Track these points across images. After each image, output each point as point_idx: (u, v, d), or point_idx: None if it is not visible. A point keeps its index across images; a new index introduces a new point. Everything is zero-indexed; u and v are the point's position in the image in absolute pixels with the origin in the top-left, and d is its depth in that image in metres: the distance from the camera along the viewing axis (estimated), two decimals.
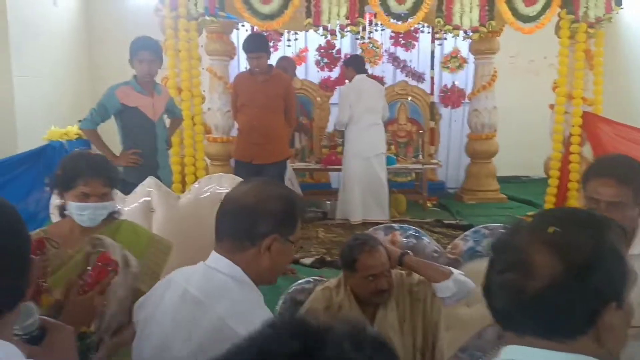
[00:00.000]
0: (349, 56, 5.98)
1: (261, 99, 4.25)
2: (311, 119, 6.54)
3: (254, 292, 1.35)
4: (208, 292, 1.29)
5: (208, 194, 2.67)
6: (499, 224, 2.90)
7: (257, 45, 4.18)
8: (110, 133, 3.62)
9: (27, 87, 5.20)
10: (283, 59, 5.75)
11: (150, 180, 2.69)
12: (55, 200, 2.03)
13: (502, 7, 4.53)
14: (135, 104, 3.35)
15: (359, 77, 5.15)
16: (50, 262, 1.72)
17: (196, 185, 2.78)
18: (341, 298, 2.10)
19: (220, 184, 2.73)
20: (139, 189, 2.65)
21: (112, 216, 1.94)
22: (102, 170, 1.89)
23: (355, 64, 5.26)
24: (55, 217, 2.07)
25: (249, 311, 1.26)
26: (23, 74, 5.14)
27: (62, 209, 1.88)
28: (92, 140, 3.42)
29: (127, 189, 2.61)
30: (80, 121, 3.53)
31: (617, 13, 4.67)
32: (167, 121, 3.82)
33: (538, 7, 4.58)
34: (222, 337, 1.16)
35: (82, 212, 1.84)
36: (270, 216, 1.33)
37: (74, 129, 4.53)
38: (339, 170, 6.08)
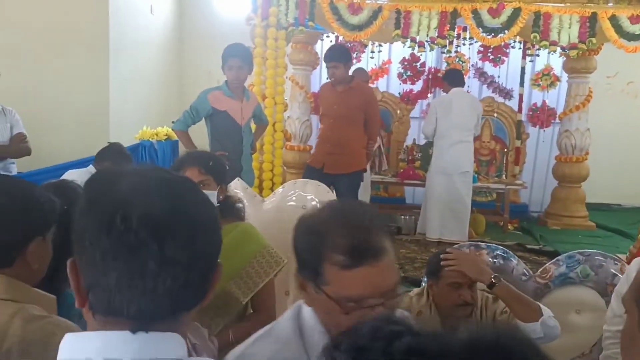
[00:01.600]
0: (446, 70, 5.88)
1: (338, 109, 4.25)
2: (389, 131, 6.47)
3: None
4: None
5: (292, 199, 2.66)
6: (596, 251, 2.70)
7: (334, 55, 4.18)
8: (201, 136, 3.73)
9: (121, 89, 5.48)
10: (356, 70, 5.70)
11: (237, 182, 2.72)
12: None
13: (605, 24, 4.29)
14: (225, 107, 3.43)
15: (453, 91, 5.00)
16: None
17: (280, 189, 2.78)
18: (422, 305, 2.02)
19: (304, 190, 2.72)
20: None
21: (235, 215, 2.00)
22: (198, 160, 1.96)
23: (451, 78, 5.14)
24: None
25: None
26: (119, 77, 5.42)
27: None
28: (183, 140, 3.54)
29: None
30: (173, 122, 3.66)
31: None
32: (254, 127, 3.89)
33: None
34: None
35: None
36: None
37: (163, 130, 4.73)
38: (416, 185, 5.96)
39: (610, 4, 4.36)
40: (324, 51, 6.48)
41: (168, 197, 0.68)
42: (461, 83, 5.12)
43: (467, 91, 5.56)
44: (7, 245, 1.16)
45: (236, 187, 2.71)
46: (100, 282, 0.65)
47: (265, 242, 2.03)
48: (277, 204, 2.69)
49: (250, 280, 1.88)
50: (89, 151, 4.48)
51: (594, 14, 4.30)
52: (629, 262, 4.60)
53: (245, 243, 1.97)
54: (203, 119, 3.51)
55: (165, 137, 4.69)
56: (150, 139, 4.80)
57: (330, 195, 2.72)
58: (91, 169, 3.32)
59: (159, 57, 6.28)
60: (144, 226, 0.64)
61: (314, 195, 2.69)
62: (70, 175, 3.21)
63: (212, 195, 1.91)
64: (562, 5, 4.40)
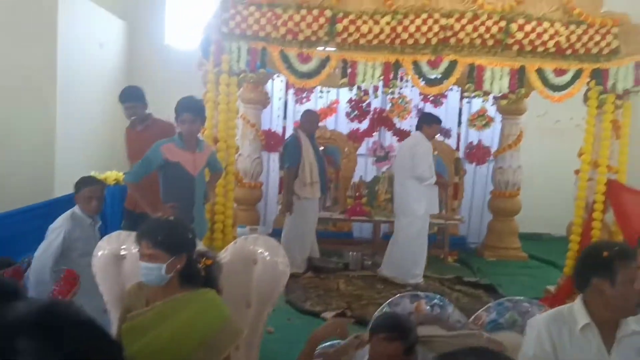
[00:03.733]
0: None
1: (143, 148, 3.89)
2: (338, 168, 6.70)
3: None
4: None
5: (244, 254, 2.78)
6: (522, 298, 2.96)
7: (131, 95, 4.19)
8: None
9: (69, 131, 5.38)
10: (306, 111, 5.82)
11: None
12: None
13: (532, 76, 4.67)
14: (178, 159, 3.51)
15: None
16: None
17: (231, 246, 2.89)
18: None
19: (256, 245, 2.84)
20: None
21: (200, 282, 2.08)
22: (151, 233, 2.02)
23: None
24: None
25: None
26: (67, 118, 5.32)
27: None
28: (135, 193, 3.59)
29: (209, 255, 2.73)
30: (125, 174, 3.71)
31: None
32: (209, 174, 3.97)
33: (567, 77, 4.70)
34: None
35: (140, 270, 2.05)
36: None
37: (112, 175, 4.71)
38: (362, 221, 6.19)
39: (537, 58, 4.75)
40: (276, 90, 6.69)
41: None
42: (419, 127, 5.42)
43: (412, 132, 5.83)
44: None
45: None
46: None
47: (227, 312, 2.09)
48: (229, 259, 2.81)
49: (216, 350, 1.95)
50: (34, 197, 4.41)
51: (523, 67, 4.67)
52: (557, 294, 4.97)
53: (208, 313, 2.03)
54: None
55: (114, 182, 4.67)
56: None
57: (280, 249, 2.85)
58: (76, 210, 3.37)
59: (108, 96, 6.24)
60: None
61: (264, 249, 2.82)
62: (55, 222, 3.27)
63: (157, 268, 1.99)
64: (494, 58, 4.76)
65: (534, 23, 4.44)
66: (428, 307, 2.85)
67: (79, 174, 5.05)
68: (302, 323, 4.14)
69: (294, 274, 4.83)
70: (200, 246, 2.92)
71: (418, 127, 5.39)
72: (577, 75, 4.70)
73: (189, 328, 1.94)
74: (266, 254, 2.78)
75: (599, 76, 4.67)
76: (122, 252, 2.66)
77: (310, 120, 5.56)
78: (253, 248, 2.83)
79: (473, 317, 2.90)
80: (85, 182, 3.46)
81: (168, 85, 6.21)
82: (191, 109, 3.51)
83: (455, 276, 5.48)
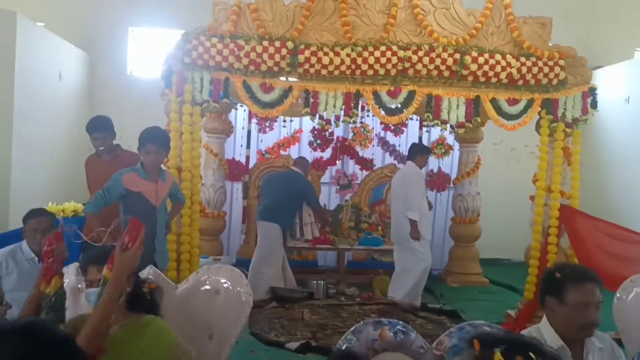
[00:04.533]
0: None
1: (106, 177, 3.81)
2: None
3: None
4: None
5: (207, 283, 2.76)
6: (482, 322, 3.01)
7: (100, 125, 4.13)
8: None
9: (25, 161, 5.27)
10: (300, 159, 6.07)
11: (149, 269, 2.78)
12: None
13: (487, 106, 4.84)
14: (140, 189, 3.48)
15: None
16: None
17: (194, 275, 2.86)
18: None
19: (218, 274, 2.82)
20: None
21: (146, 307, 2.08)
22: (97, 258, 2.06)
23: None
24: None
25: None
26: (23, 148, 5.22)
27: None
28: (94, 223, 3.52)
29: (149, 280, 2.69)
30: (84, 204, 3.64)
31: (592, 115, 4.99)
32: (170, 205, 3.94)
33: (520, 106, 4.89)
34: None
35: (89, 297, 2.05)
36: None
37: (70, 206, 4.60)
38: (327, 249, 6.21)
39: (491, 89, 4.93)
40: (239, 119, 6.71)
41: None
42: (411, 157, 5.59)
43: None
44: None
45: (149, 274, 2.77)
46: None
47: (176, 336, 2.11)
48: (191, 289, 2.78)
49: None
50: None
51: (478, 97, 4.84)
52: (518, 318, 5.06)
53: (162, 340, 2.04)
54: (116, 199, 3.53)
55: (73, 213, 4.57)
56: (57, 216, 4.64)
57: (243, 279, 2.83)
58: (23, 244, 3.30)
59: (67, 126, 6.16)
60: None
61: (226, 279, 2.80)
62: None
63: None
64: (450, 88, 4.92)
65: (486, 55, 4.63)
66: (391, 334, 2.88)
67: (35, 205, 4.94)
68: (266, 355, 4.08)
69: (257, 304, 4.80)
70: (163, 276, 2.89)
71: (410, 157, 5.56)
72: (529, 104, 4.90)
73: (147, 355, 1.93)
74: (229, 284, 2.76)
75: (549, 105, 4.87)
76: (80, 285, 2.60)
77: (305, 165, 5.93)
78: (215, 278, 2.80)
79: (435, 342, 2.94)
80: (32, 214, 3.39)
81: (131, 114, 6.19)
82: (156, 140, 3.50)
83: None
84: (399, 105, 4.83)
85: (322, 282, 5.67)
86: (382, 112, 4.84)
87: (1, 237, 4.28)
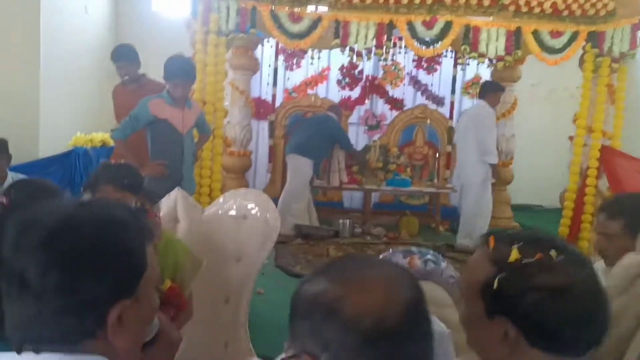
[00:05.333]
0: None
1: (131, 105, 3.76)
2: None
3: None
4: None
5: (233, 208, 2.70)
6: None
7: (124, 54, 4.06)
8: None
9: (53, 93, 5.26)
10: (334, 107, 5.96)
11: (176, 192, 2.73)
12: None
13: (529, 38, 4.58)
14: (166, 116, 3.40)
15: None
16: None
17: (221, 199, 2.81)
18: None
19: (245, 199, 2.76)
20: (165, 199, 2.69)
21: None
22: (113, 177, 1.97)
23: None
24: None
25: None
26: (51, 81, 5.20)
27: None
28: (122, 150, 3.48)
29: (152, 200, 2.65)
30: (112, 131, 3.59)
31: None
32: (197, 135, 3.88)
33: (564, 39, 4.62)
34: None
35: None
36: None
37: (98, 136, 4.60)
38: (353, 189, 6.12)
39: (533, 20, 4.66)
40: (265, 56, 6.55)
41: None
42: (483, 95, 5.24)
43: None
44: None
45: (176, 197, 2.72)
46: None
47: (185, 244, 2.12)
48: (218, 213, 2.73)
49: (183, 284, 1.95)
50: (18, 159, 4.31)
51: (519, 29, 4.59)
52: None
53: (174, 250, 2.03)
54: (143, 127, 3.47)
55: (101, 143, 4.56)
56: (85, 146, 4.65)
57: (271, 204, 2.77)
58: None
59: (93, 59, 6.10)
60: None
61: (254, 204, 2.74)
62: None
63: None
64: (490, 19, 4.66)
65: None
66: (421, 263, 2.81)
67: (63, 135, 4.98)
68: (291, 286, 4.07)
69: (282, 239, 4.79)
70: (191, 199, 2.84)
71: (481, 96, 5.21)
72: (574, 37, 4.63)
73: (159, 264, 1.91)
74: (256, 208, 2.70)
75: (595, 38, 4.60)
76: None
77: (340, 113, 5.82)
78: (243, 202, 2.74)
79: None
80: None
81: (156, 53, 6.06)
82: (185, 71, 3.41)
83: (446, 244, 5.45)
84: (434, 38, 4.62)
85: (347, 221, 5.62)
86: (416, 44, 4.63)
87: (32, 164, 4.32)
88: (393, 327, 0.73)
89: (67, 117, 5.44)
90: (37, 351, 0.72)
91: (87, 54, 6.06)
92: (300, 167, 5.40)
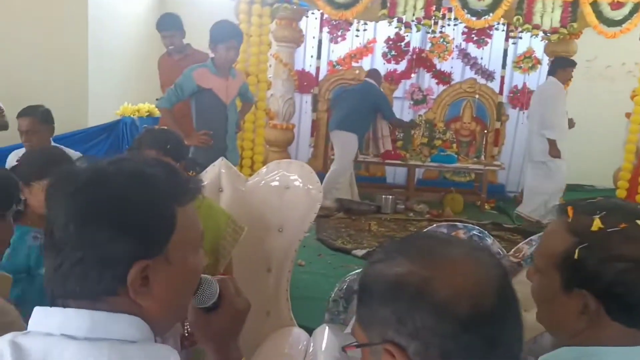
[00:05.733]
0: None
1: (175, 76, 3.80)
2: None
3: None
4: None
5: (276, 179, 2.69)
6: None
7: (169, 23, 4.03)
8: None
9: (101, 64, 5.35)
10: (372, 70, 5.84)
11: (220, 161, 2.74)
12: None
13: (586, 9, 4.35)
14: (210, 85, 3.41)
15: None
16: None
17: (264, 169, 2.80)
18: None
19: (288, 170, 2.74)
20: (210, 168, 2.70)
21: None
22: (156, 142, 1.98)
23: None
24: None
25: None
26: (98, 52, 5.28)
27: None
28: (167, 119, 3.51)
29: (195, 168, 2.67)
30: (157, 100, 3.62)
31: None
32: (240, 105, 3.88)
33: (625, 11, 4.36)
34: None
35: None
36: None
37: (145, 106, 4.67)
38: (397, 165, 6.03)
39: None
40: (310, 28, 6.46)
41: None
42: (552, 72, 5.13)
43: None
44: None
45: (220, 166, 2.73)
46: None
47: (226, 212, 2.15)
48: (260, 183, 2.72)
49: (224, 251, 2.00)
50: (67, 127, 4.44)
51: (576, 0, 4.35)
52: None
53: (215, 217, 2.06)
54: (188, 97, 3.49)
55: (147, 113, 4.64)
56: (132, 116, 4.74)
57: (313, 175, 2.74)
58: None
59: (139, 31, 6.15)
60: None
61: (297, 175, 2.72)
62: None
63: None
64: None
65: None
66: (466, 238, 2.73)
67: (111, 105, 5.08)
68: (332, 259, 4.12)
69: (324, 213, 4.78)
70: (235, 169, 2.85)
71: (550, 72, 5.12)
72: (635, 9, 4.37)
73: (210, 222, 1.98)
74: (299, 179, 2.68)
75: None
76: None
77: (378, 77, 5.71)
78: (286, 173, 2.73)
79: (514, 249, 2.77)
80: (19, 113, 3.11)
81: (201, 23, 6.09)
82: (235, 36, 3.41)
83: (491, 222, 5.32)
84: (486, 8, 4.44)
85: (390, 197, 5.55)
86: (467, 15, 4.46)
87: (81, 133, 4.44)
88: (489, 309, 0.68)
89: (114, 87, 5.53)
90: (64, 305, 0.71)
91: (133, 26, 6.12)
92: (346, 143, 5.35)
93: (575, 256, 0.91)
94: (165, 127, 2.16)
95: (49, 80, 4.85)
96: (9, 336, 0.71)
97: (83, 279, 0.70)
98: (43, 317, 0.72)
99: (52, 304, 0.72)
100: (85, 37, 5.12)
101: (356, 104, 5.34)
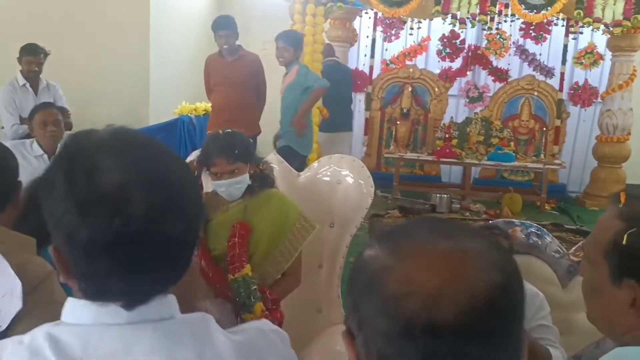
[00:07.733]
0: None
1: (231, 78, 4.21)
2: (427, 109, 6.45)
3: None
4: None
5: (327, 174, 2.72)
6: None
7: (225, 23, 4.17)
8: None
9: (161, 64, 5.56)
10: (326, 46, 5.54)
11: (272, 156, 2.80)
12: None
13: None
14: None
15: None
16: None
17: (315, 164, 2.84)
18: None
19: (340, 165, 2.77)
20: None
21: (266, 185, 2.10)
22: (225, 149, 1.98)
23: None
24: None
25: None
26: (159, 52, 5.49)
27: None
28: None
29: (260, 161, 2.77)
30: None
31: None
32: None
33: None
34: None
35: (219, 189, 2.02)
36: None
37: (202, 105, 4.83)
38: (452, 163, 5.94)
39: None
40: (364, 28, 6.48)
41: None
42: None
43: None
44: (5, 190, 1.15)
45: (272, 161, 2.79)
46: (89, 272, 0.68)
47: (299, 207, 2.16)
48: (312, 178, 2.76)
49: (290, 246, 2.03)
50: (131, 125, 4.64)
51: None
52: None
53: (285, 210, 2.10)
54: None
55: (204, 112, 4.80)
56: (189, 114, 4.91)
57: (364, 170, 2.75)
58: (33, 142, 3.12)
59: (198, 32, 6.35)
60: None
61: (349, 170, 2.74)
62: None
63: (242, 180, 2.02)
64: None
65: None
66: (523, 236, 2.66)
67: (171, 103, 5.28)
68: None
69: (378, 213, 4.76)
70: (286, 163, 2.91)
71: None
72: None
73: (274, 222, 2.03)
74: (350, 174, 2.70)
75: None
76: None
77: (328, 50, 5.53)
78: (337, 168, 2.76)
79: (574, 248, 2.67)
80: (38, 108, 3.09)
81: (257, 24, 6.23)
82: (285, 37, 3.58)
83: (552, 223, 5.13)
84: (544, 2, 4.32)
85: (445, 196, 5.44)
86: (524, 10, 4.36)
87: (143, 130, 4.61)
88: (445, 324, 0.53)
89: (173, 86, 5.74)
90: None
91: (192, 27, 6.32)
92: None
93: (624, 242, 0.86)
94: (230, 130, 2.15)
95: (112, 81, 5.09)
96: (43, 329, 0.69)
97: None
98: (77, 307, 0.70)
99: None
100: (147, 36, 5.34)
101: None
